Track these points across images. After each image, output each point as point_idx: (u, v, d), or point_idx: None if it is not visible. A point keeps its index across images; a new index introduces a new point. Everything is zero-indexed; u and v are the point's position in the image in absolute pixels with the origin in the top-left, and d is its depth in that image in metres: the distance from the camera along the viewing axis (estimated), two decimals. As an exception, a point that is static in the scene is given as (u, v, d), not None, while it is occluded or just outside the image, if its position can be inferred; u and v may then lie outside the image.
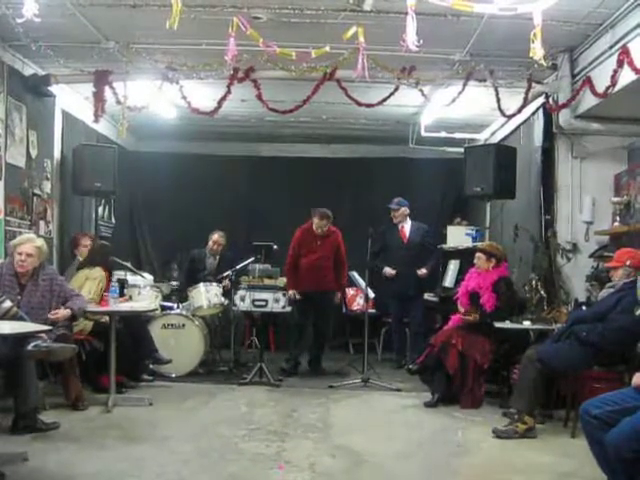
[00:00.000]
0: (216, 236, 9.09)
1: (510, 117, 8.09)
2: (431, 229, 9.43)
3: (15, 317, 5.38)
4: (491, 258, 7.01)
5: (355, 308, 10.26)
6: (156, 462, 4.76)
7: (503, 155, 8.14)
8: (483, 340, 6.70)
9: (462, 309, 7.04)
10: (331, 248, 8.55)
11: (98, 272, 6.99)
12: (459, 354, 6.65)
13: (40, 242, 6.12)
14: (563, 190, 7.83)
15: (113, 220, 10.40)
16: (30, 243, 5.96)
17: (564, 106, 7.39)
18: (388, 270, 8.86)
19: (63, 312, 5.94)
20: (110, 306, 6.62)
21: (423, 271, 8.89)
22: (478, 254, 7.14)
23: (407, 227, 9.13)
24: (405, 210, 9.08)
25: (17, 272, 5.93)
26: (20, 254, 5.90)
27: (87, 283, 6.76)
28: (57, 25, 6.42)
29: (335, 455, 5.05)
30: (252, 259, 8.08)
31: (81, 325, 6.61)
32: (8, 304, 5.42)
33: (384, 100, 7.55)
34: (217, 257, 9.15)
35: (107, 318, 6.66)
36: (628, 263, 5.61)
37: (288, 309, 7.83)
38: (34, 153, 7.79)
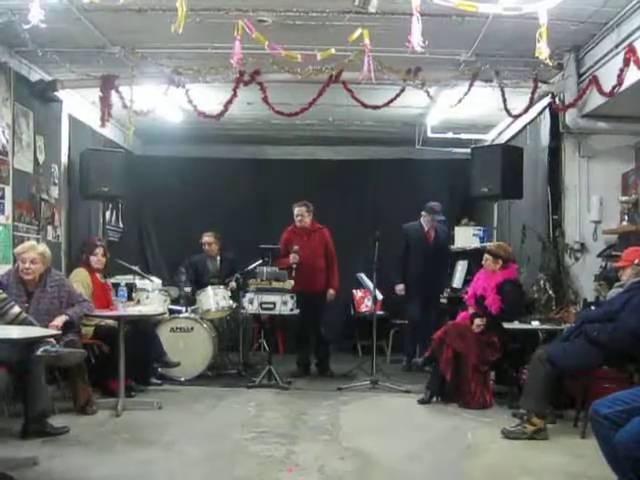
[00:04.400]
0: (205, 238, 9.10)
1: (516, 117, 8.08)
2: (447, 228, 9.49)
3: (24, 322, 5.40)
4: (498, 259, 7.01)
5: (363, 310, 10.26)
6: (165, 466, 4.76)
7: (510, 155, 8.13)
8: (485, 341, 6.72)
9: (472, 310, 7.05)
10: (320, 244, 8.59)
11: (78, 275, 7.02)
12: (454, 353, 6.72)
13: (42, 248, 6.11)
14: (570, 189, 7.82)
15: (121, 224, 10.44)
16: (33, 250, 5.96)
17: (570, 106, 7.38)
18: (400, 287, 8.82)
19: (58, 319, 5.90)
20: (118, 310, 6.63)
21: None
22: (486, 255, 7.15)
23: (432, 229, 9.08)
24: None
25: (23, 280, 5.94)
26: (24, 262, 5.90)
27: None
28: (63, 31, 6.45)
29: (344, 457, 5.04)
30: (260, 262, 8.08)
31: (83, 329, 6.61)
32: (17, 309, 5.45)
33: (390, 102, 7.55)
34: (217, 259, 9.16)
35: (108, 321, 6.70)
36: (637, 262, 5.59)
37: (296, 312, 7.82)
38: (41, 158, 7.82)
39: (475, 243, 9.51)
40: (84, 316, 6.34)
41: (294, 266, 8.11)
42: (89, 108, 8.73)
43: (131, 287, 7.96)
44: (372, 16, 5.78)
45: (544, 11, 4.51)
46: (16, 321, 5.37)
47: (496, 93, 7.56)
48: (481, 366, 6.69)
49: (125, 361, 6.29)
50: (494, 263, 7.02)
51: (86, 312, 6.25)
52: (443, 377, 6.80)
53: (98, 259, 7.16)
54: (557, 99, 7.61)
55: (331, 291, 8.65)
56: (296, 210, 8.59)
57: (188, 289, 8.71)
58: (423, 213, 9.03)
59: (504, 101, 7.56)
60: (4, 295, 5.51)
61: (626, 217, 7.27)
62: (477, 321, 6.82)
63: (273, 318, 8.19)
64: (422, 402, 6.87)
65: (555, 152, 7.88)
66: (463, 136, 10.12)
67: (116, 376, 6.31)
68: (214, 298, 8.29)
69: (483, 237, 9.69)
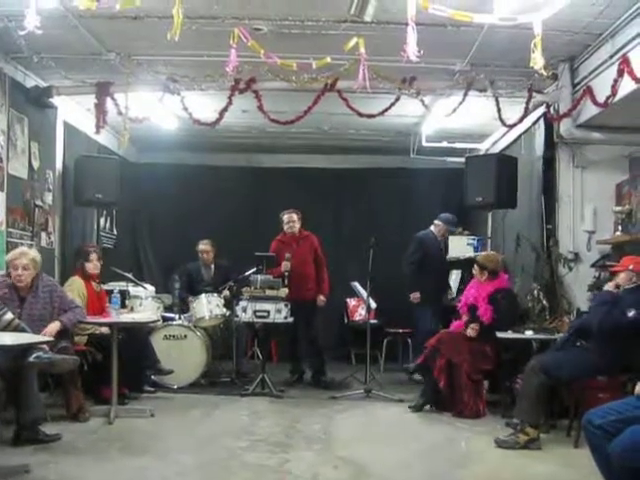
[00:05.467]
0: (201, 246, 9.16)
1: (511, 127, 8.10)
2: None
3: (17, 329, 5.38)
4: (483, 270, 7.05)
5: (357, 318, 10.25)
6: (158, 474, 4.75)
7: (504, 165, 8.14)
8: (479, 350, 6.72)
9: (466, 318, 7.07)
10: (309, 251, 8.61)
11: (73, 283, 7.02)
12: (447, 361, 6.73)
13: (34, 253, 6.10)
14: (564, 199, 7.83)
15: (115, 231, 10.41)
16: (24, 256, 5.94)
17: (565, 116, 7.40)
18: (417, 296, 8.79)
19: (52, 327, 5.87)
20: (111, 317, 6.62)
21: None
22: (475, 265, 7.24)
23: (442, 239, 9.34)
24: None
25: (15, 286, 5.92)
26: (16, 268, 5.88)
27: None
28: (59, 37, 6.44)
29: (338, 466, 5.04)
30: (254, 270, 8.07)
31: (75, 338, 6.59)
32: (9, 316, 5.43)
33: (385, 110, 7.56)
34: (212, 267, 9.18)
35: (103, 329, 6.69)
36: (631, 267, 5.60)
37: (290, 320, 7.80)
38: (36, 164, 7.80)
39: (469, 252, 9.51)
40: (78, 323, 6.33)
41: (286, 274, 8.11)
42: (84, 115, 8.72)
43: (124, 294, 7.95)
44: (368, 25, 5.81)
45: (539, 21, 4.53)
46: (9, 327, 5.35)
47: (491, 103, 7.58)
48: (474, 374, 6.69)
49: (118, 368, 6.27)
50: (480, 274, 7.08)
51: (79, 319, 6.24)
52: (436, 385, 6.80)
53: (94, 264, 7.16)
54: (551, 109, 7.63)
55: (321, 297, 8.64)
56: (286, 217, 8.60)
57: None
58: (437, 222, 9.19)
59: (499, 111, 7.58)
60: (-4, 302, 5.51)
61: (620, 227, 7.28)
62: (472, 325, 6.83)
63: (267, 326, 8.18)
64: (413, 408, 6.90)
65: (549, 162, 7.89)
66: (458, 145, 10.13)
67: (109, 383, 6.29)
68: (208, 306, 8.29)
69: (477, 246, 9.70)
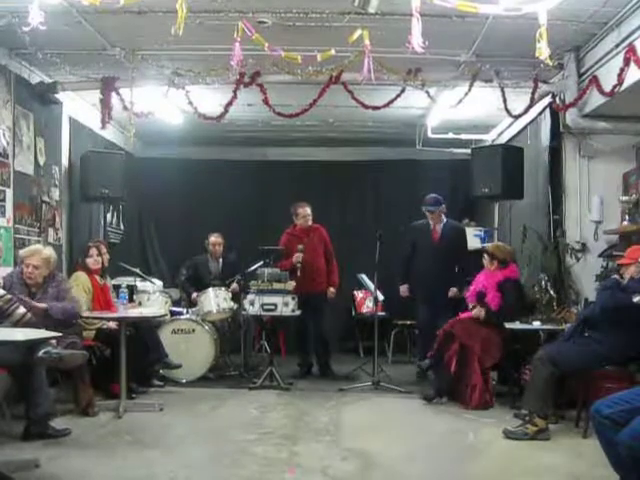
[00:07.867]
0: (213, 238, 9.16)
1: (517, 117, 8.08)
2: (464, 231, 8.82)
3: (29, 323, 5.41)
4: (493, 260, 7.04)
5: (365, 311, 10.25)
6: (167, 467, 4.75)
7: (510, 155, 8.13)
8: (488, 335, 6.72)
9: (471, 305, 7.08)
10: (319, 243, 8.62)
11: (78, 279, 7.03)
12: (460, 346, 6.72)
13: (48, 252, 6.12)
14: (571, 190, 7.80)
15: (122, 226, 10.43)
16: (37, 255, 5.98)
17: (571, 105, 7.37)
18: (404, 289, 8.40)
19: (39, 305, 5.80)
20: (119, 312, 6.64)
21: (453, 290, 8.08)
22: (484, 254, 7.24)
23: (439, 226, 8.36)
24: (443, 209, 8.33)
25: (27, 282, 5.95)
26: (27, 266, 5.92)
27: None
28: (63, 33, 6.44)
29: (347, 458, 5.04)
30: (261, 263, 8.08)
31: (83, 333, 6.61)
32: (22, 310, 5.48)
33: (390, 102, 7.55)
34: (220, 260, 9.20)
35: (111, 324, 6.73)
36: (641, 259, 5.58)
37: (297, 313, 7.81)
38: (42, 160, 7.81)
39: (476, 244, 9.49)
40: (69, 317, 6.10)
41: (298, 265, 8.10)
42: (89, 110, 8.74)
43: (132, 289, 7.97)
44: (372, 17, 5.78)
45: (544, 11, 4.50)
46: (21, 322, 5.39)
47: (496, 93, 7.56)
48: (484, 358, 6.65)
49: (126, 363, 6.29)
50: (490, 263, 7.08)
51: (69, 311, 6.05)
52: (447, 376, 6.80)
53: (94, 260, 7.16)
54: (557, 99, 7.61)
55: (331, 289, 8.64)
56: (301, 210, 8.57)
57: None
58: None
59: (504, 101, 7.56)
60: (9, 296, 5.53)
61: (627, 217, 7.26)
62: (476, 310, 6.85)
63: (275, 319, 8.19)
64: (426, 398, 6.91)
65: (556, 152, 7.87)
66: (463, 136, 10.10)
67: (118, 378, 6.31)
68: (215, 300, 8.30)
69: (484, 238, 9.68)
